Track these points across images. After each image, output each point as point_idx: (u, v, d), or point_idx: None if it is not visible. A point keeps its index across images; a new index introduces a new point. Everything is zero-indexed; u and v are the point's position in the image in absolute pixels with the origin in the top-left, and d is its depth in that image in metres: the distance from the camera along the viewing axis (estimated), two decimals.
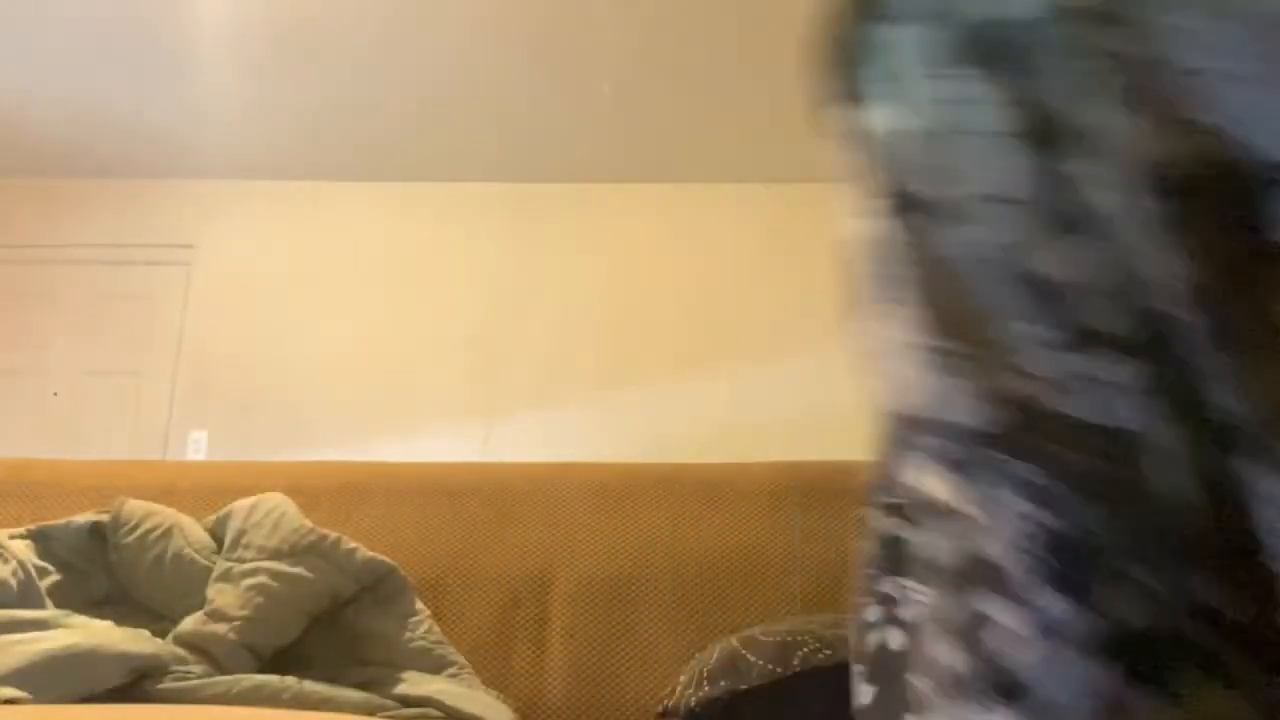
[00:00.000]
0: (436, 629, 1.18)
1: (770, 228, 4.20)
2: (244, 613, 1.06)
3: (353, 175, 4.16)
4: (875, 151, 0.42)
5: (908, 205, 0.41)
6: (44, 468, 1.42)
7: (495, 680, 1.19)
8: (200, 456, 3.93)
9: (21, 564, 1.06)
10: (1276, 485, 0.32)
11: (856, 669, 0.41)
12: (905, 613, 0.41)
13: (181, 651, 1.01)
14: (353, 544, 1.16)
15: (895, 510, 0.48)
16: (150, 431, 3.99)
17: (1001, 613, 0.33)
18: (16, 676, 0.85)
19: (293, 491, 1.33)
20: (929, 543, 0.40)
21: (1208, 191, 0.35)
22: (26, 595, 1.04)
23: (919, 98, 0.41)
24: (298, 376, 4.01)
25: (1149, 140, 0.36)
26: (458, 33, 3.17)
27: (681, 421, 3.98)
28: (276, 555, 1.12)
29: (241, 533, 1.16)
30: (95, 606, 1.10)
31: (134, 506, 1.20)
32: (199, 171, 4.14)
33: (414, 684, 1.05)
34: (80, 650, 0.90)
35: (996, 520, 0.34)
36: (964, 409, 0.36)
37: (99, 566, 1.15)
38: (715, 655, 0.94)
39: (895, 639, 0.40)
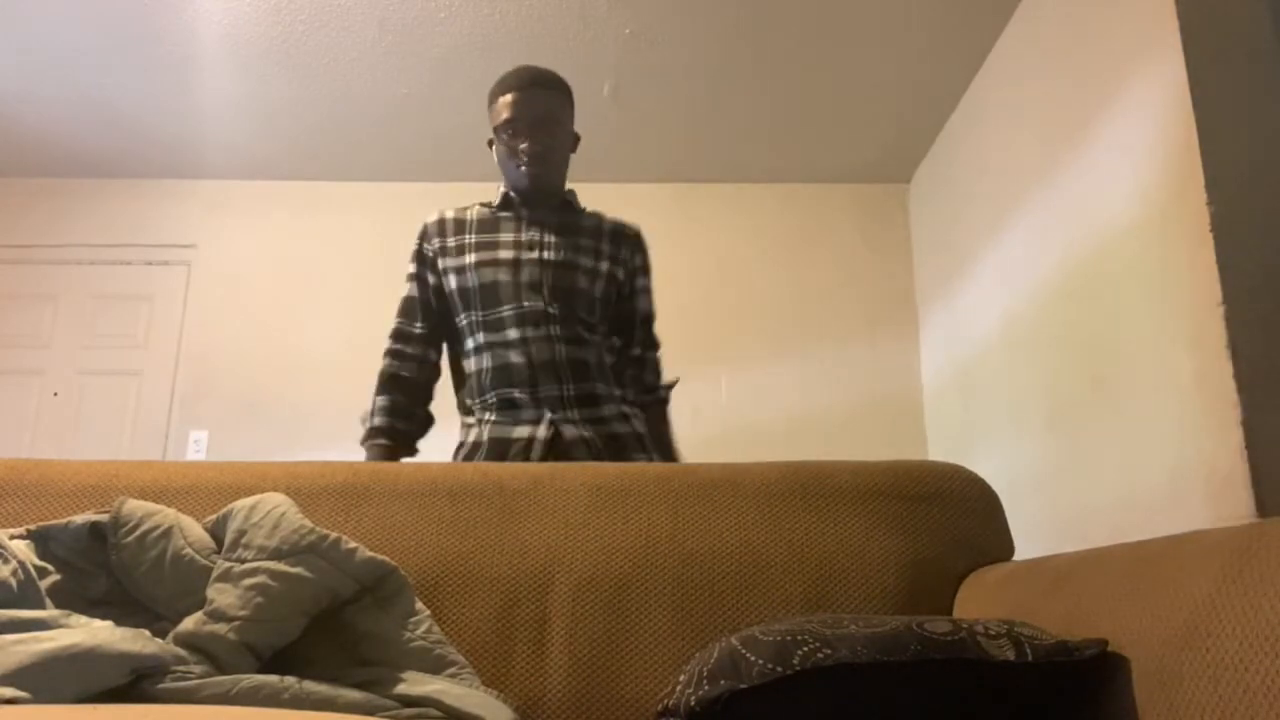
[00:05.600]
0: (436, 629, 1.18)
1: (770, 228, 4.20)
2: (244, 613, 1.06)
3: (353, 175, 4.16)
4: None
5: None
6: (44, 468, 1.42)
7: (495, 680, 1.19)
8: (200, 456, 3.93)
9: (21, 564, 1.06)
10: None
11: None
12: None
13: (181, 651, 1.01)
14: (353, 544, 1.16)
15: None
16: (150, 431, 4.00)
17: None
18: (16, 676, 0.85)
19: (293, 491, 1.33)
20: None
21: None
22: (26, 595, 1.04)
23: None
24: (298, 376, 4.01)
25: None
26: (457, 33, 3.17)
27: (681, 421, 3.98)
28: (276, 555, 1.12)
29: (241, 533, 1.16)
30: (95, 606, 1.10)
31: (134, 506, 1.20)
32: (199, 171, 4.14)
33: (414, 684, 1.05)
34: (80, 650, 0.90)
35: None
36: None
37: (99, 566, 1.15)
38: (715, 655, 0.93)
39: None
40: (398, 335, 1.93)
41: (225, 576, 1.11)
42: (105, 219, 4.20)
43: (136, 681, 0.95)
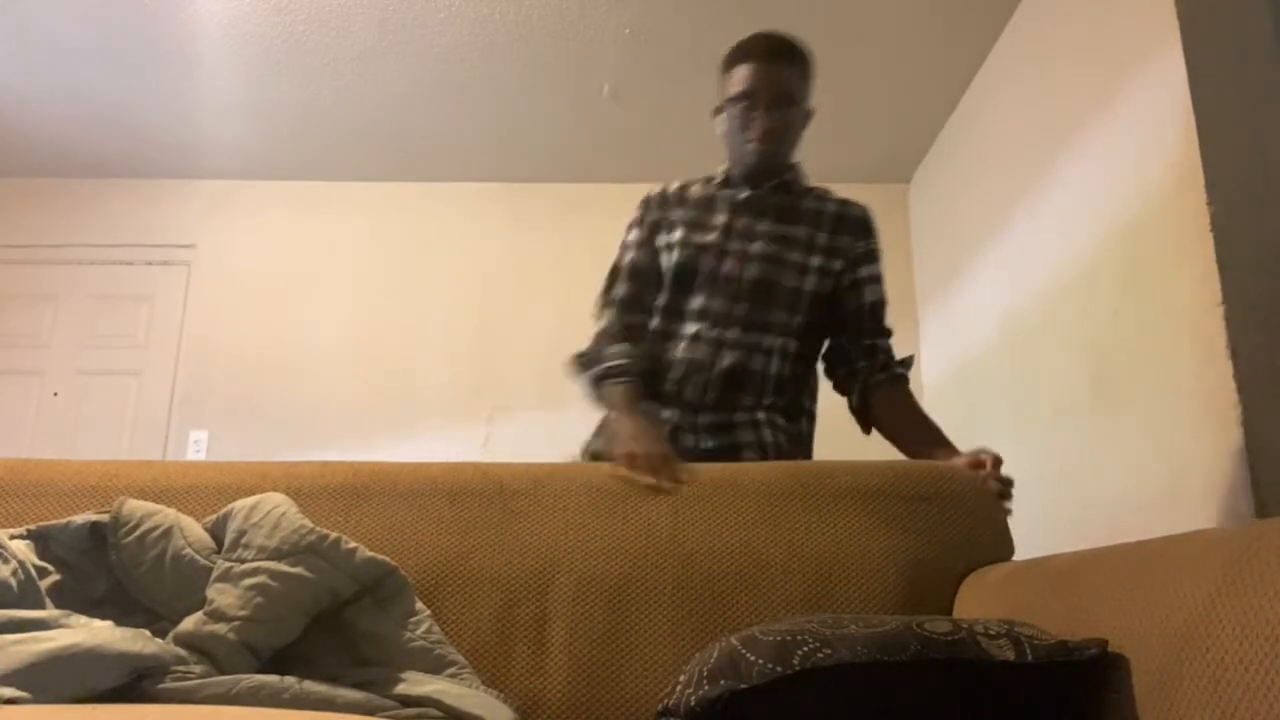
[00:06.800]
0: (436, 629, 1.18)
1: None
2: (244, 613, 1.06)
3: (352, 175, 4.16)
4: None
5: None
6: (44, 468, 1.42)
7: (495, 680, 1.19)
8: (200, 456, 3.93)
9: (21, 564, 1.06)
10: None
11: None
12: None
13: (181, 651, 1.01)
14: (353, 544, 1.16)
15: None
16: (150, 431, 4.00)
17: None
18: (16, 676, 0.85)
19: (293, 491, 1.33)
20: None
21: None
22: (26, 595, 1.04)
23: None
24: (298, 376, 4.01)
25: None
26: (457, 32, 3.17)
27: None
28: (276, 555, 1.12)
29: (241, 533, 1.16)
30: (95, 606, 1.10)
31: (134, 506, 1.20)
32: (199, 171, 4.14)
33: (414, 684, 1.05)
34: (80, 650, 0.90)
35: None
36: None
37: (99, 566, 1.15)
38: (715, 655, 0.94)
39: None
40: (629, 302, 1.74)
41: (225, 576, 1.11)
42: (105, 219, 4.20)
43: (136, 681, 0.95)
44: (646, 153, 3.93)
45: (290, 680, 0.98)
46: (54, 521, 1.19)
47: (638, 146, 3.88)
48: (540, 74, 3.38)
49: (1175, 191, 2.02)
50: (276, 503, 1.21)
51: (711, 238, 1.71)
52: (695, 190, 1.80)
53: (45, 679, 0.86)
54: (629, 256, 1.80)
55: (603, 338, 1.72)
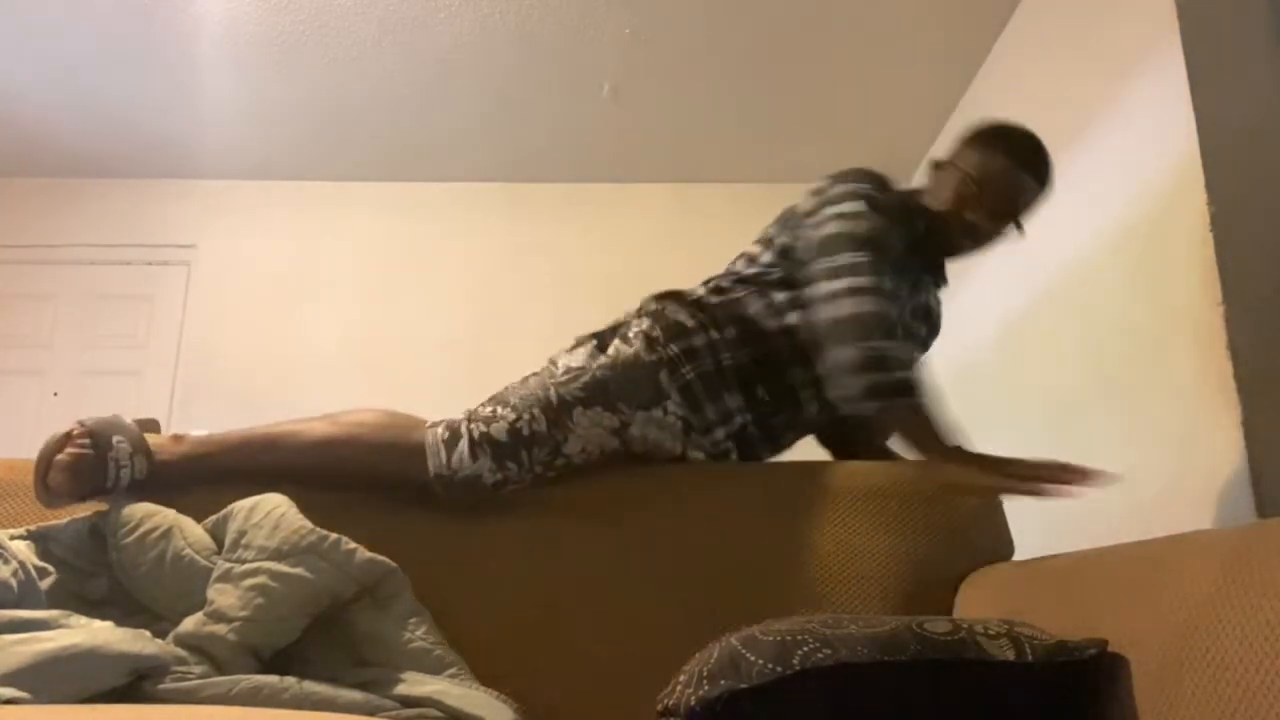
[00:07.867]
0: (436, 629, 1.18)
1: None
2: (244, 613, 1.06)
3: (352, 175, 4.16)
4: None
5: None
6: None
7: (495, 680, 1.19)
8: None
9: (22, 564, 1.06)
10: None
11: None
12: None
13: (181, 652, 1.01)
14: (353, 544, 1.16)
15: None
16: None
17: None
18: (16, 676, 0.85)
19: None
20: None
21: None
22: (26, 595, 1.04)
23: None
24: (298, 376, 4.01)
25: None
26: (456, 32, 3.17)
27: None
28: (277, 556, 1.12)
29: (241, 533, 1.16)
30: (95, 606, 1.10)
31: (134, 506, 1.20)
32: (199, 171, 4.14)
33: (414, 684, 1.06)
34: (80, 650, 0.90)
35: None
36: None
37: (99, 566, 1.15)
38: (715, 655, 0.94)
39: None
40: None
41: (225, 577, 1.11)
42: (105, 219, 4.20)
43: (137, 682, 0.95)
44: (646, 153, 3.93)
45: (290, 680, 0.99)
46: (54, 521, 1.19)
47: (638, 146, 3.88)
48: (540, 74, 3.38)
49: (1175, 191, 2.02)
50: (276, 503, 1.21)
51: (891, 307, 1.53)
52: (898, 238, 1.58)
53: (45, 679, 0.86)
54: (882, 230, 1.57)
55: (892, 334, 1.45)
